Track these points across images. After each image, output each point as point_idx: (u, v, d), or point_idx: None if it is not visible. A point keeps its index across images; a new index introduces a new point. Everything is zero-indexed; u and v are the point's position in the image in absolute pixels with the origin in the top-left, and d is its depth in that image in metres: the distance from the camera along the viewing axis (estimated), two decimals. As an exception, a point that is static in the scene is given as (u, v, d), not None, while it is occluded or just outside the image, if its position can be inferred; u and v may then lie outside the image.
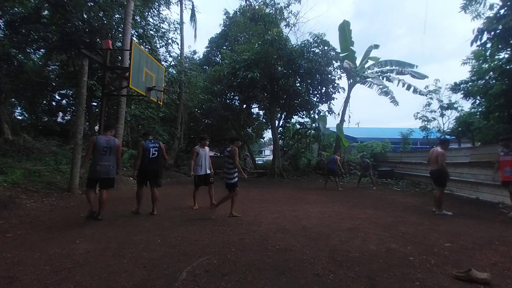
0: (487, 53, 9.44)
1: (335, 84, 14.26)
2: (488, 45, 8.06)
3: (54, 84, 14.17)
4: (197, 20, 17.81)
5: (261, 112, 19.76)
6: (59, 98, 16.04)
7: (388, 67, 15.11)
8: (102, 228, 4.16)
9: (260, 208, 6.16)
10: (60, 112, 16.72)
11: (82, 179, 7.96)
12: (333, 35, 59.77)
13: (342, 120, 15.38)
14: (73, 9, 8.84)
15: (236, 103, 18.02)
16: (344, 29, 14.11)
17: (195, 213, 5.51)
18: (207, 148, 6.08)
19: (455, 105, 15.56)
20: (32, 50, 11.80)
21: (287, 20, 18.09)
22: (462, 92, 12.56)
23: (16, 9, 10.09)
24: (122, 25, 9.25)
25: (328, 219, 5.12)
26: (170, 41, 13.36)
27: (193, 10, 17.42)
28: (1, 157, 8.76)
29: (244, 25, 17.18)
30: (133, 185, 9.30)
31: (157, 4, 12.79)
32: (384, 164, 14.50)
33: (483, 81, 10.63)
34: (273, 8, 17.66)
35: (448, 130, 16.26)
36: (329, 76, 13.94)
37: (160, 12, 13.16)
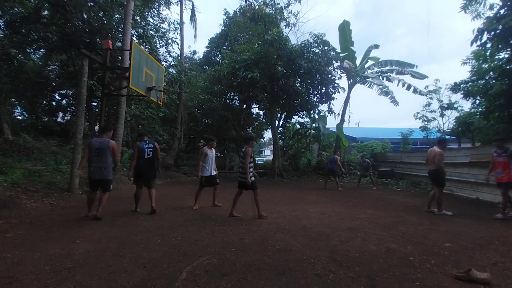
0: (487, 53, 9.44)
1: (335, 84, 14.27)
2: (488, 45, 8.06)
3: (54, 84, 14.18)
4: (197, 20, 17.82)
5: (261, 112, 19.77)
6: (59, 98, 16.06)
7: (388, 67, 15.11)
8: (102, 228, 4.16)
9: (260, 208, 6.15)
10: (60, 112, 16.73)
11: (81, 179, 7.97)
12: (333, 35, 59.80)
13: (342, 120, 15.39)
14: (73, 9, 8.84)
15: (236, 103, 18.02)
16: (344, 29, 14.11)
17: (195, 213, 5.51)
18: (213, 150, 6.17)
19: (455, 105, 15.56)
20: (32, 50, 11.79)
21: (287, 20, 18.10)
22: (462, 92, 12.56)
23: (16, 9, 10.09)
24: (122, 25, 9.24)
25: (328, 219, 5.12)
26: (170, 41, 13.36)
27: (193, 10, 17.42)
28: (1, 157, 8.76)
29: (244, 25, 17.18)
30: (133, 185, 9.30)
31: (157, 4, 12.78)
32: (384, 164, 14.50)
33: (483, 81, 10.63)
34: (273, 8, 17.65)
35: (448, 130, 16.26)
36: (329, 76, 13.94)
37: (160, 12, 13.16)
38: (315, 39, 13.34)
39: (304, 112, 16.66)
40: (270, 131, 17.34)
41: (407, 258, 3.15)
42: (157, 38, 12.20)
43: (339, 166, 10.84)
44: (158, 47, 12.62)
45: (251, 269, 2.78)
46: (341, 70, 14.65)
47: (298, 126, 19.33)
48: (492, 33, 7.17)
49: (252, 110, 19.38)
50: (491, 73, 9.85)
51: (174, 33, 14.03)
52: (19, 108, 16.34)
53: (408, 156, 13.30)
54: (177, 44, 14.35)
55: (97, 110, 12.48)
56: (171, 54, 14.41)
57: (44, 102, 15.59)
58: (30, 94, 13.37)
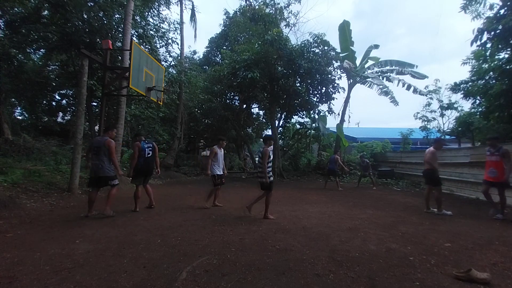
0: (487, 53, 9.46)
1: (335, 84, 14.26)
2: (488, 45, 8.07)
3: (54, 84, 14.18)
4: (197, 20, 17.83)
5: (261, 112, 19.77)
6: (59, 98, 16.06)
7: (388, 67, 15.11)
8: (102, 228, 4.16)
9: (260, 208, 6.14)
10: (60, 112, 16.73)
11: (82, 179, 7.97)
12: (333, 35, 59.79)
13: (342, 120, 15.39)
14: (73, 9, 8.84)
15: (236, 103, 18.02)
16: (344, 29, 14.12)
17: (195, 213, 5.50)
18: (222, 149, 6.26)
19: (455, 105, 15.58)
20: (32, 50, 11.79)
21: (287, 20, 18.10)
22: (462, 92, 12.57)
23: (16, 9, 10.08)
24: (122, 25, 9.24)
25: (328, 219, 5.13)
26: (170, 41, 13.37)
27: (193, 10, 17.43)
28: (1, 157, 8.76)
29: (244, 25, 17.19)
30: (133, 185, 9.30)
31: (157, 4, 12.78)
32: (384, 164, 14.51)
33: (483, 81, 10.65)
34: (273, 8, 17.66)
35: (448, 130, 16.28)
36: (329, 76, 13.94)
37: (160, 12, 13.17)
38: (315, 39, 13.34)
39: (304, 112, 16.66)
40: (270, 131, 17.34)
41: (407, 258, 3.15)
42: (157, 38, 12.20)
43: (341, 165, 10.83)
44: (158, 47, 12.63)
45: (251, 269, 2.78)
46: (341, 70, 14.65)
47: (298, 126, 19.34)
48: (492, 33, 7.17)
49: (252, 110, 19.39)
50: (491, 73, 9.86)
51: (174, 33, 14.05)
52: (19, 108, 16.35)
53: (408, 156, 13.31)
54: (177, 44, 14.37)
55: (97, 110, 12.49)
56: (171, 54, 14.44)
57: (44, 102, 15.59)
58: (30, 94, 13.37)
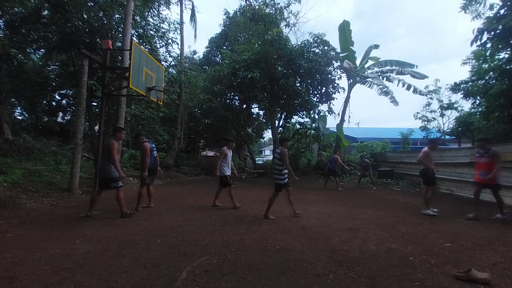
0: (487, 53, 9.46)
1: (335, 84, 14.27)
2: (488, 45, 8.07)
3: (54, 84, 14.17)
4: (197, 20, 17.83)
5: (261, 112, 19.79)
6: (59, 98, 16.06)
7: (388, 67, 15.10)
8: (102, 228, 4.16)
9: (260, 208, 6.16)
10: (60, 112, 16.72)
11: (82, 179, 7.98)
12: (333, 35, 59.84)
13: (342, 120, 15.39)
14: (73, 9, 8.83)
15: (236, 103, 18.03)
16: (344, 29, 14.11)
17: (195, 213, 5.50)
18: (231, 151, 6.34)
19: (455, 105, 15.58)
20: (32, 50, 11.78)
21: (287, 20, 18.11)
22: (462, 92, 12.57)
23: (16, 9, 10.08)
24: (122, 25, 9.24)
25: (328, 219, 5.13)
26: (170, 41, 13.34)
27: (193, 10, 17.43)
28: (1, 157, 8.76)
29: (244, 25, 17.19)
30: (133, 185, 9.31)
31: (157, 4, 12.77)
32: (384, 164, 14.50)
33: (483, 81, 10.64)
34: (273, 8, 17.66)
35: (448, 130, 16.28)
36: (329, 76, 13.94)
37: (160, 12, 13.14)
38: (315, 39, 13.34)
39: (304, 112, 16.66)
40: (270, 131, 17.36)
41: (407, 258, 3.15)
42: (157, 38, 12.18)
43: (341, 164, 10.82)
44: (158, 47, 12.61)
45: (251, 269, 2.78)
46: (341, 70, 14.65)
47: (298, 126, 19.34)
48: (492, 33, 7.17)
49: (252, 110, 19.41)
50: (491, 73, 9.86)
51: (174, 33, 14.03)
52: (19, 108, 16.34)
53: (408, 156, 13.30)
54: (177, 44, 14.35)
55: (97, 110, 12.47)
56: (171, 54, 14.41)
57: (44, 102, 15.59)
58: (30, 94, 13.37)
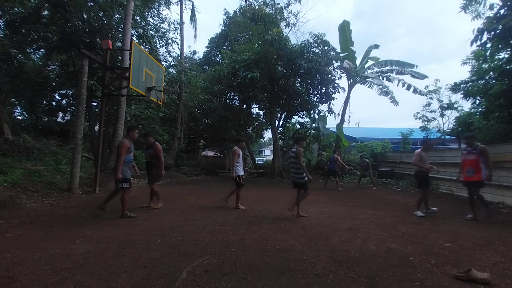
0: (487, 53, 9.45)
1: (335, 84, 14.26)
2: (488, 45, 8.07)
3: (54, 84, 14.16)
4: (197, 20, 17.84)
5: (261, 112, 19.77)
6: (59, 98, 16.04)
7: (388, 67, 15.11)
8: (102, 228, 4.16)
9: (260, 208, 6.17)
10: (60, 112, 16.71)
11: (82, 179, 7.98)
12: (333, 35, 59.82)
13: (342, 120, 15.39)
14: (73, 9, 8.82)
15: (236, 103, 18.02)
16: (344, 29, 14.12)
17: (195, 213, 5.51)
18: (241, 150, 6.45)
19: (455, 105, 15.57)
20: (32, 50, 11.77)
21: (287, 20, 18.10)
22: (462, 92, 12.57)
23: (16, 9, 10.06)
24: (122, 25, 9.24)
25: (328, 219, 5.13)
26: (170, 41, 13.33)
27: (193, 10, 17.44)
28: (1, 157, 8.76)
29: (244, 25, 17.18)
30: (133, 185, 9.30)
31: (157, 4, 12.76)
32: (384, 164, 14.50)
33: (483, 81, 10.64)
34: (273, 8, 17.66)
35: (448, 130, 16.27)
36: (329, 76, 13.94)
37: (160, 12, 13.13)
38: (315, 39, 13.34)
39: (304, 112, 16.66)
40: (270, 131, 17.35)
41: (407, 258, 3.15)
42: (157, 38, 12.18)
43: (342, 163, 10.81)
44: (158, 47, 12.60)
45: (251, 269, 2.78)
46: (341, 70, 14.65)
47: (298, 126, 19.35)
48: (492, 33, 7.17)
49: (252, 110, 19.39)
50: (491, 73, 9.85)
51: (174, 33, 14.02)
52: (19, 108, 16.34)
53: (408, 156, 13.29)
54: (177, 44, 14.35)
55: (97, 110, 12.48)
56: (171, 54, 14.41)
57: (44, 102, 15.58)
58: (30, 94, 13.35)
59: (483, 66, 10.64)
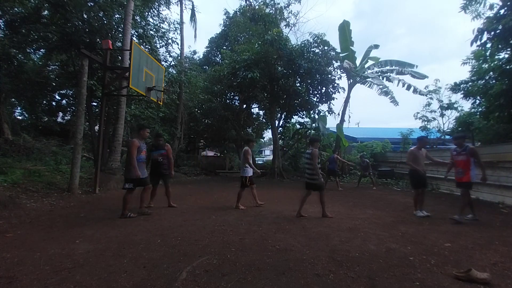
0: (487, 53, 9.45)
1: (335, 84, 14.27)
2: (488, 45, 8.07)
3: (54, 84, 14.15)
4: (197, 20, 17.85)
5: (261, 112, 19.79)
6: (59, 98, 16.03)
7: (388, 67, 15.10)
8: (102, 228, 4.16)
9: (260, 208, 6.17)
10: (60, 112, 16.71)
11: (82, 179, 7.98)
12: (333, 35, 59.76)
13: (342, 120, 15.39)
14: (73, 9, 8.82)
15: (236, 103, 18.02)
16: (344, 29, 14.11)
17: (195, 213, 5.51)
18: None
19: (455, 105, 15.57)
20: (32, 50, 11.76)
21: (287, 20, 18.11)
22: (462, 92, 12.56)
23: (16, 9, 10.06)
24: (122, 25, 9.24)
25: (328, 219, 5.13)
26: (170, 41, 13.33)
27: (193, 10, 17.44)
28: (1, 157, 8.76)
29: (244, 25, 17.19)
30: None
31: (157, 4, 12.76)
32: (384, 164, 14.50)
33: (483, 81, 10.64)
34: (273, 8, 17.67)
35: (448, 130, 16.28)
36: (329, 76, 13.95)
37: (160, 12, 13.13)
38: (315, 39, 13.35)
39: (304, 112, 16.66)
40: (270, 131, 17.35)
41: (407, 258, 3.14)
42: (157, 38, 12.18)
43: (342, 161, 10.76)
44: (158, 47, 12.60)
45: (251, 269, 2.78)
46: (341, 70, 14.66)
47: (298, 126, 19.34)
48: (492, 33, 7.17)
49: (252, 110, 19.41)
50: (491, 73, 9.85)
51: (174, 33, 14.02)
52: (19, 108, 16.33)
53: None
54: (177, 44, 14.35)
55: (97, 110, 12.48)
56: (171, 54, 14.41)
57: (44, 102, 15.57)
58: (30, 94, 13.35)
59: (483, 66, 10.64)
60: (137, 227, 4.28)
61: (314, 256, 3.17)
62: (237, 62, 13.28)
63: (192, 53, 22.69)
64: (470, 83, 11.99)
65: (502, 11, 7.11)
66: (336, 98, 15.56)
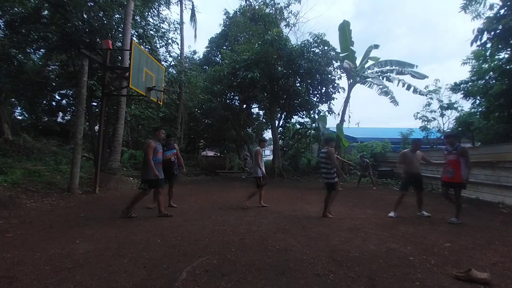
0: (487, 53, 9.46)
1: (335, 84, 14.27)
2: (488, 45, 8.08)
3: (54, 84, 14.15)
4: (197, 20, 17.86)
5: (261, 112, 19.80)
6: (59, 98, 16.04)
7: (388, 67, 15.09)
8: (102, 228, 4.16)
9: (260, 208, 6.17)
10: (60, 112, 16.71)
11: (82, 179, 7.97)
12: (333, 35, 59.76)
13: (342, 120, 15.38)
14: (73, 9, 8.82)
15: (236, 103, 18.03)
16: (344, 29, 14.10)
17: (195, 213, 5.51)
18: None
19: (455, 105, 15.57)
20: (32, 50, 11.76)
21: (287, 20, 18.12)
22: (462, 92, 12.57)
23: (16, 9, 10.06)
24: (122, 25, 9.24)
25: (328, 219, 5.13)
26: (170, 41, 13.33)
27: (193, 10, 17.45)
28: (1, 157, 8.76)
29: (244, 25, 17.20)
30: (133, 185, 9.30)
31: (157, 4, 12.76)
32: (384, 164, 14.49)
33: (483, 81, 10.65)
34: (273, 8, 17.67)
35: (448, 130, 16.27)
36: (329, 76, 13.95)
37: (160, 12, 13.13)
38: (315, 39, 13.34)
39: (304, 112, 16.66)
40: (270, 131, 17.35)
41: (407, 258, 3.14)
42: (157, 38, 12.18)
43: (342, 160, 10.78)
44: (158, 47, 12.60)
45: (251, 269, 2.78)
46: (341, 70, 14.64)
47: (298, 126, 19.35)
48: (492, 33, 7.18)
49: (252, 110, 19.42)
50: (491, 73, 9.86)
51: (174, 33, 14.02)
52: (19, 108, 16.34)
53: (408, 156, 13.29)
54: (177, 44, 14.35)
55: (97, 110, 12.47)
56: (171, 54, 14.40)
57: (44, 102, 15.57)
58: (30, 94, 13.35)
59: (483, 66, 10.64)
60: (137, 227, 4.28)
61: (314, 256, 3.17)
62: (237, 62, 13.28)
63: (192, 53, 22.73)
64: (470, 83, 11.99)
65: (502, 11, 7.12)
66: (336, 98, 15.58)
